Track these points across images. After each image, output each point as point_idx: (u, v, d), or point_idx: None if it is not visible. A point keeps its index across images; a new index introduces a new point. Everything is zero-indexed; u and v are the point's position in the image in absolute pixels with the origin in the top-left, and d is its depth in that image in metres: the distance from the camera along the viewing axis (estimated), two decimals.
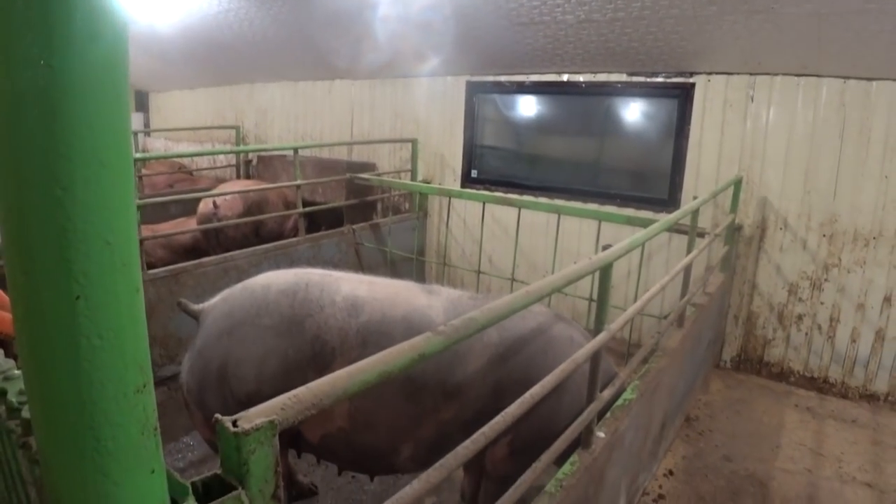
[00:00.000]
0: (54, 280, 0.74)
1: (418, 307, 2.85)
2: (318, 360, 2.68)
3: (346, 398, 1.19)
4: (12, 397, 1.39)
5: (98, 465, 0.81)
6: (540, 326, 2.91)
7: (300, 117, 8.78)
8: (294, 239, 5.75)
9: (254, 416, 1.01)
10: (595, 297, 2.61)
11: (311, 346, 2.69)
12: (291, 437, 2.86)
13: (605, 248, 2.44)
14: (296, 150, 5.93)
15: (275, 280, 2.91)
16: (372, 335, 2.71)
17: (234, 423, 1.00)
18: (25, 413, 1.34)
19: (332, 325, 2.72)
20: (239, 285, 2.98)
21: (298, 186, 5.83)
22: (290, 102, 8.90)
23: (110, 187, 0.76)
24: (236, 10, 6.88)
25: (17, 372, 1.50)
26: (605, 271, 2.39)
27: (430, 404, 2.69)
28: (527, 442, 2.70)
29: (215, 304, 2.91)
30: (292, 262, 5.44)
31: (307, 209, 6.01)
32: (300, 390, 1.11)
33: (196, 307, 2.95)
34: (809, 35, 4.68)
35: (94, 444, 0.80)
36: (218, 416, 1.03)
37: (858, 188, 5.09)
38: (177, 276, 4.73)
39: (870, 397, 5.27)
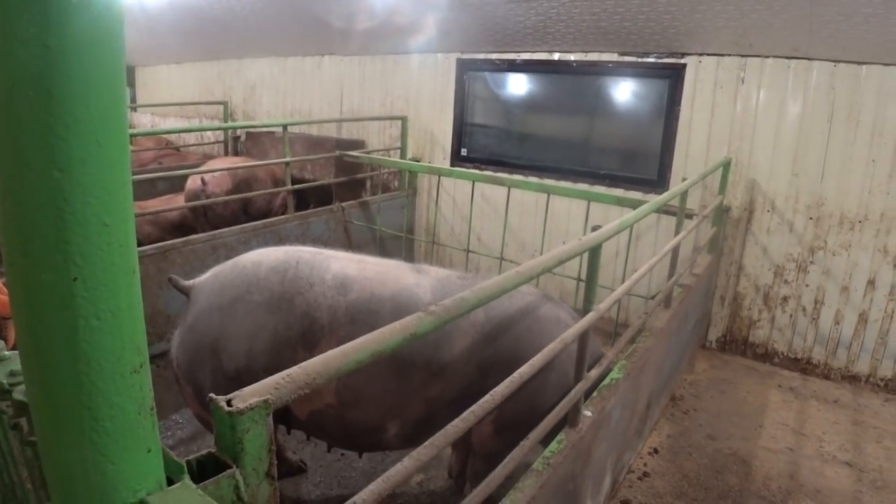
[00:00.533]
0: (52, 261, 0.75)
1: (406, 286, 2.87)
2: (308, 336, 2.70)
3: (338, 377, 1.20)
4: (2, 378, 1.38)
5: (96, 444, 0.81)
6: (527, 306, 2.93)
7: (289, 93, 8.70)
8: (283, 216, 5.72)
9: (248, 396, 1.02)
10: (583, 276, 2.63)
11: (300, 322, 2.71)
12: (280, 414, 2.88)
13: (595, 229, 2.45)
14: (285, 126, 5.88)
15: (265, 257, 2.92)
16: (360, 313, 2.73)
17: (229, 403, 1.01)
18: (17, 394, 1.34)
19: (321, 303, 2.74)
20: (230, 262, 2.99)
21: (287, 164, 5.80)
22: (278, 78, 8.81)
23: (107, 168, 0.76)
24: None
25: (7, 353, 1.50)
26: (595, 252, 2.41)
27: (418, 381, 2.72)
28: (511, 419, 2.74)
29: (206, 280, 2.92)
30: (281, 240, 5.43)
31: (296, 186, 5.97)
32: (293, 370, 1.12)
33: (187, 283, 2.95)
34: (801, 18, 4.68)
35: (91, 423, 0.81)
36: (212, 395, 1.04)
37: (846, 172, 5.13)
38: (165, 254, 4.70)
39: (852, 378, 5.36)
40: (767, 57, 5.29)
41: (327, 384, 2.66)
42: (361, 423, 2.81)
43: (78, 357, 0.78)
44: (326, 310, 2.73)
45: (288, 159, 5.81)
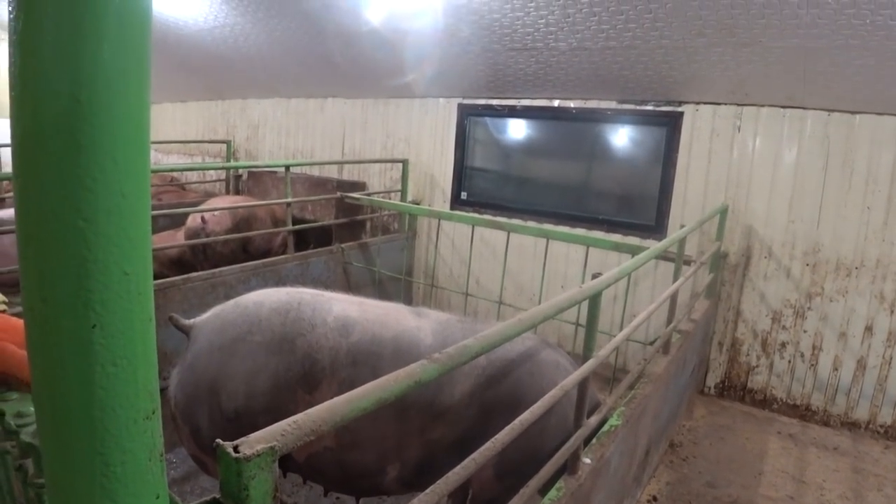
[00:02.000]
0: (72, 308, 0.76)
1: (408, 328, 2.88)
2: (308, 378, 2.70)
3: (342, 424, 1.21)
4: (10, 419, 1.39)
5: (106, 490, 0.82)
6: (527, 351, 2.95)
7: (292, 134, 8.82)
8: (282, 256, 5.74)
9: (255, 442, 1.03)
10: (581, 321, 2.64)
11: (301, 364, 2.71)
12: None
13: (595, 276, 2.48)
14: (287, 167, 5.94)
15: (267, 298, 2.93)
16: (362, 355, 2.74)
17: (236, 449, 1.01)
18: (24, 436, 1.34)
19: (322, 345, 2.75)
20: (231, 302, 3.00)
21: (289, 204, 5.84)
22: (282, 118, 8.93)
23: (130, 218, 0.78)
24: (231, 26, 6.92)
25: (14, 395, 1.50)
26: (594, 300, 2.43)
27: (418, 424, 2.71)
28: (513, 464, 2.72)
29: (207, 320, 2.92)
30: (280, 280, 5.44)
31: (296, 227, 6.01)
32: (300, 416, 1.13)
33: (187, 322, 2.95)
34: (795, 68, 4.79)
35: (103, 469, 0.81)
36: (219, 441, 1.04)
37: (841, 219, 5.19)
38: (164, 291, 4.71)
39: (851, 425, 5.33)
40: (763, 106, 5.39)
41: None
42: (361, 466, 2.79)
43: (93, 403, 0.79)
44: (328, 352, 2.74)
45: (289, 199, 5.86)
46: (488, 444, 1.74)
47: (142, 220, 0.80)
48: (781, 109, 5.33)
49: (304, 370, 2.70)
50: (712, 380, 5.88)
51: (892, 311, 5.09)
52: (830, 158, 5.18)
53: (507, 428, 1.87)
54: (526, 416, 1.95)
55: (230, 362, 2.72)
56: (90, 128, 0.74)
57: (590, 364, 2.40)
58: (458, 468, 1.59)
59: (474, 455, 1.68)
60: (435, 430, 2.72)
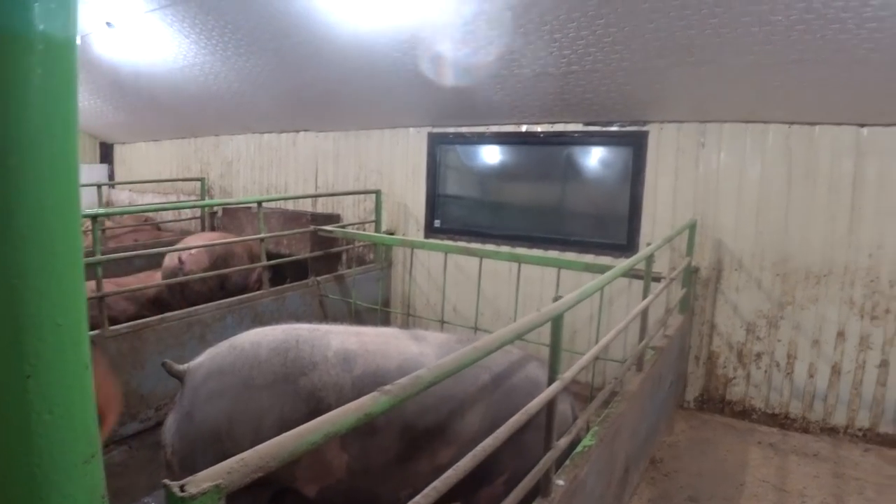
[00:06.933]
0: (7, 360, 0.79)
1: (411, 355, 2.90)
2: (316, 416, 2.69)
3: (295, 458, 1.23)
4: None
5: None
6: (527, 373, 2.99)
7: (265, 169, 8.86)
8: (258, 292, 5.75)
9: (201, 481, 1.05)
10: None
11: (306, 403, 2.70)
12: (281, 494, 2.85)
13: (556, 299, 2.52)
14: (259, 203, 5.97)
15: (264, 338, 2.91)
16: (368, 387, 2.72)
17: (182, 488, 1.03)
18: None
19: (326, 382, 2.74)
20: (225, 343, 2.96)
21: (262, 239, 5.86)
22: (255, 154, 8.99)
23: (62, 272, 0.82)
24: (201, 65, 6.99)
25: None
26: (557, 322, 2.47)
27: (428, 450, 2.73)
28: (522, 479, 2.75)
29: (202, 364, 2.87)
30: (256, 316, 5.44)
31: (271, 262, 6.02)
32: (247, 453, 1.15)
33: (181, 367, 2.89)
34: (754, 84, 4.92)
35: None
36: (165, 480, 1.07)
37: (807, 228, 5.29)
38: (139, 332, 4.69)
39: (830, 430, 5.39)
40: (725, 122, 5.52)
41: (337, 461, 2.67)
42: (373, 496, 2.79)
43: (31, 450, 0.82)
44: (332, 388, 2.73)
45: (262, 235, 5.88)
46: (449, 473, 1.76)
47: (74, 273, 0.84)
48: (743, 124, 5.46)
49: (311, 409, 2.66)
50: (691, 394, 5.92)
51: (862, 316, 5.18)
52: (793, 169, 5.30)
53: (469, 455, 1.90)
54: (488, 442, 1.98)
55: (233, 408, 2.69)
56: (19, 192, 0.78)
57: (555, 387, 2.43)
58: (417, 497, 1.61)
59: (435, 483, 1.70)
60: (445, 454, 2.74)
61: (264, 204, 6.13)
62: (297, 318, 5.70)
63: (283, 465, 1.20)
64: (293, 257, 6.66)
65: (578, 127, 6.21)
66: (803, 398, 5.49)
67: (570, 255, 6.11)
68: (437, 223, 7.26)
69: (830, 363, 5.34)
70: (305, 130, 8.30)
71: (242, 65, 6.72)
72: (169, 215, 9.67)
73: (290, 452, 1.20)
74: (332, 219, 7.62)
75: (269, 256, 6.05)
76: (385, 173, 7.58)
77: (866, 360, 5.20)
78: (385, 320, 6.72)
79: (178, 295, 6.13)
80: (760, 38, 4.32)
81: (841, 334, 5.28)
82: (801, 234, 5.33)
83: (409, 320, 7.01)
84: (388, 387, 1.48)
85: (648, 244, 4.12)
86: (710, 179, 5.62)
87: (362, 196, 7.74)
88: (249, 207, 7.78)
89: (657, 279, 4.48)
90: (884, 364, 5.14)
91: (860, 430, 5.28)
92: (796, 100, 5.04)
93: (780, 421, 5.58)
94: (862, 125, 5.04)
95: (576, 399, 3.37)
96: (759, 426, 5.60)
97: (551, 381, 2.47)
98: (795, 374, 5.50)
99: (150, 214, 9.70)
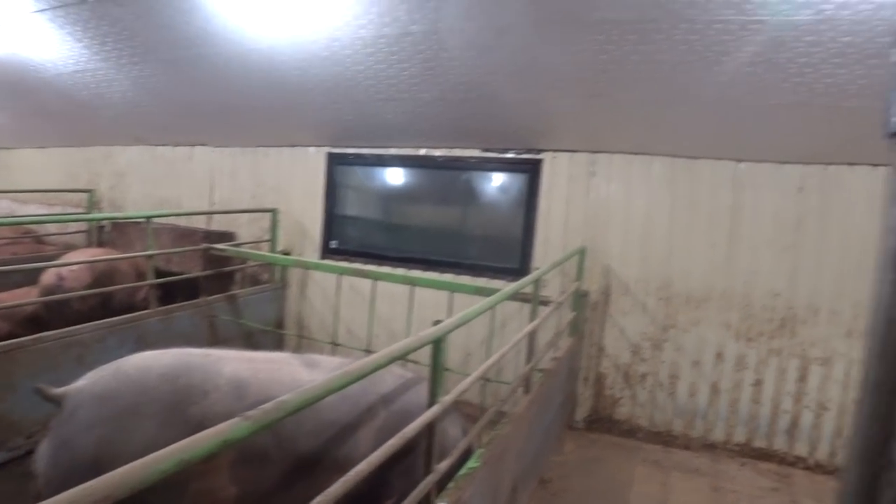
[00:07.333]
0: None
1: (303, 383, 2.84)
2: None
3: (141, 488, 1.17)
4: None
5: None
6: (420, 396, 2.97)
7: (159, 182, 8.52)
8: (144, 311, 5.49)
9: None
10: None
11: (195, 433, 2.59)
12: None
13: (436, 323, 2.54)
14: (148, 218, 5.73)
15: (155, 362, 2.78)
16: None
17: None
18: None
19: (218, 411, 2.62)
20: (110, 367, 2.80)
21: (150, 256, 5.63)
22: (148, 167, 8.62)
23: None
24: (94, 71, 6.65)
25: None
26: (437, 345, 2.49)
27: (322, 477, 2.65)
28: None
29: (83, 388, 2.69)
30: (141, 336, 5.19)
31: (159, 280, 5.77)
32: (93, 482, 1.10)
33: (58, 391, 2.69)
34: (641, 118, 5.18)
35: None
36: None
37: (689, 255, 5.60)
38: (11, 353, 4.37)
39: (710, 446, 5.67)
40: (614, 153, 5.77)
41: (225, 492, 2.56)
42: None
43: None
44: (224, 418, 2.61)
45: (150, 252, 5.64)
46: (319, 499, 1.74)
47: None
48: (631, 156, 5.73)
49: None
50: (581, 414, 6.09)
51: (738, 338, 5.50)
52: (677, 200, 5.60)
53: (340, 481, 1.88)
54: (361, 467, 1.97)
55: (118, 437, 2.53)
56: None
57: (434, 410, 2.45)
58: None
59: None
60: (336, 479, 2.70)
61: (156, 219, 5.88)
62: (186, 340, 5.51)
63: (134, 494, 1.14)
64: (183, 276, 6.41)
65: (476, 153, 6.32)
66: (685, 416, 5.76)
67: (466, 279, 6.20)
68: (333, 244, 7.20)
69: (710, 382, 5.64)
70: (202, 145, 8.04)
71: (138, 73, 6.45)
72: (53, 228, 9.11)
73: (139, 480, 1.14)
74: (227, 237, 7.40)
75: (159, 274, 5.80)
76: (283, 192, 7.45)
77: (742, 378, 5.53)
78: (278, 342, 6.57)
79: (57, 313, 5.77)
80: (646, 76, 4.54)
81: (719, 355, 5.59)
82: (683, 260, 5.62)
83: (303, 342, 6.89)
84: (250, 412, 1.45)
85: (536, 268, 4.23)
86: (600, 207, 5.85)
87: (259, 214, 7.56)
88: (139, 222, 7.45)
89: (546, 303, 4.60)
90: (758, 383, 5.49)
91: (737, 445, 5.59)
92: (680, 135, 5.34)
93: (664, 438, 5.83)
94: (739, 160, 5.41)
95: (469, 422, 3.40)
96: (644, 444, 5.82)
97: (431, 403, 2.49)
98: (678, 394, 5.77)
99: (32, 226, 9.12)
